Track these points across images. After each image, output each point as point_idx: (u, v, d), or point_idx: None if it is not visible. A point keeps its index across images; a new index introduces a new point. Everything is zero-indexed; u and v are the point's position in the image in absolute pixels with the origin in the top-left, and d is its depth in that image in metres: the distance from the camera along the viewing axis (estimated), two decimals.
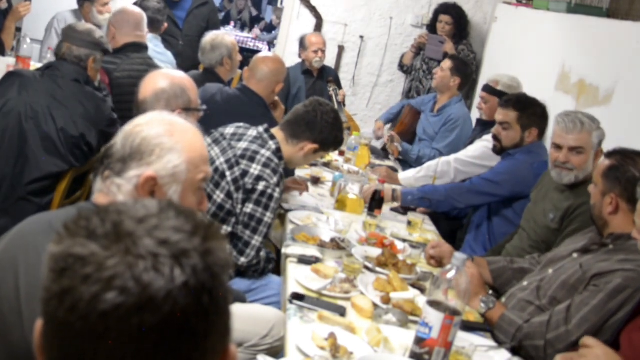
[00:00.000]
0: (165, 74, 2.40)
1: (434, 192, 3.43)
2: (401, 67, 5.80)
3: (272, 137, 2.70)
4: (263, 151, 2.62)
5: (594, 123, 2.75)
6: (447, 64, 4.61)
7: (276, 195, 2.57)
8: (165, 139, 1.45)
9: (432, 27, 5.67)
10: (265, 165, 2.58)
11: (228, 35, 4.10)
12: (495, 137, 3.39)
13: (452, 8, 5.63)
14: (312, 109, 2.74)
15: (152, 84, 2.35)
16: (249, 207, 2.55)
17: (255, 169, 2.57)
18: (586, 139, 2.74)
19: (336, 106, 4.78)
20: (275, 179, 2.56)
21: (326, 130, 2.74)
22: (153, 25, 4.30)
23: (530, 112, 3.31)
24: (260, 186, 2.54)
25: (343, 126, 2.88)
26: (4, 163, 2.85)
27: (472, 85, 5.57)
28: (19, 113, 2.87)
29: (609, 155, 2.32)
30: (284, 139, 2.72)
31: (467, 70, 4.69)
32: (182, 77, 2.39)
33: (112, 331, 0.67)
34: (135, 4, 4.38)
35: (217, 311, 0.72)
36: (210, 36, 4.03)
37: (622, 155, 2.28)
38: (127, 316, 0.67)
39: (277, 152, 2.66)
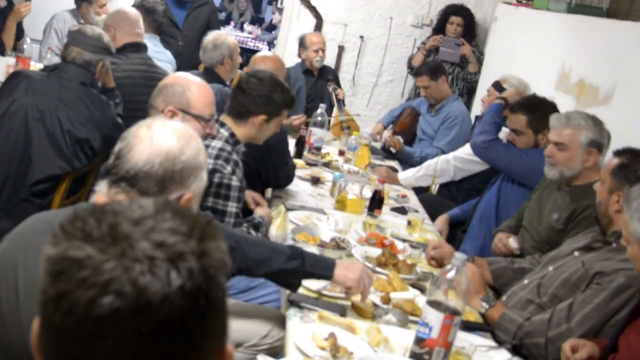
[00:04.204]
0: (179, 75, 2.39)
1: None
2: (410, 69, 5.75)
3: (222, 125, 2.69)
4: (213, 143, 2.59)
5: (587, 122, 2.72)
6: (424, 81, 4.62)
7: (234, 183, 2.53)
8: (199, 158, 1.52)
9: (440, 29, 5.65)
10: (216, 157, 2.55)
11: (230, 36, 4.12)
12: (510, 144, 3.38)
13: (463, 9, 5.62)
14: (241, 86, 2.73)
15: (163, 80, 2.37)
16: (210, 201, 2.51)
17: (208, 164, 2.55)
18: (570, 135, 2.72)
19: (336, 105, 4.79)
20: (229, 168, 2.53)
21: (261, 99, 2.72)
22: (151, 26, 4.29)
23: (539, 114, 3.22)
24: (216, 178, 2.51)
25: (278, 84, 2.79)
26: (9, 163, 2.84)
27: (471, 86, 5.57)
28: (25, 113, 2.87)
29: (619, 153, 2.32)
30: (233, 124, 2.71)
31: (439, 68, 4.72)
32: (190, 80, 2.34)
33: (109, 335, 0.67)
34: (134, 4, 4.37)
35: (213, 313, 0.72)
36: (212, 35, 4.04)
37: (632, 154, 2.28)
38: (124, 320, 0.67)
39: (232, 137, 2.65)
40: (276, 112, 2.78)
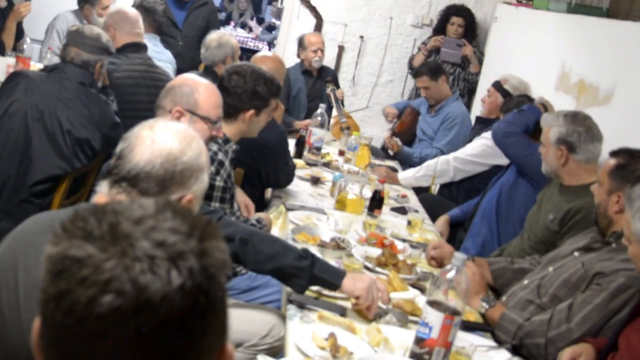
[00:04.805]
0: (188, 76, 2.38)
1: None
2: (411, 69, 5.74)
3: None
4: None
5: (559, 120, 2.79)
6: (424, 82, 4.61)
7: (217, 183, 2.50)
8: (200, 160, 1.52)
9: (440, 29, 5.64)
10: None
11: (232, 37, 4.13)
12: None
13: (464, 10, 5.62)
14: (224, 86, 2.69)
15: (171, 81, 2.38)
16: None
17: None
18: (545, 133, 2.83)
19: (335, 106, 4.79)
20: (212, 168, 2.49)
21: (247, 94, 2.71)
22: (151, 26, 4.29)
23: (507, 105, 3.44)
24: None
25: (260, 76, 2.76)
26: (9, 164, 2.84)
27: (472, 86, 5.57)
28: (25, 113, 2.86)
29: (615, 154, 2.32)
30: (222, 123, 2.68)
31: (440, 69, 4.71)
32: (198, 82, 2.33)
33: (109, 334, 0.67)
34: (134, 5, 4.37)
35: (213, 312, 0.73)
36: (217, 34, 4.05)
37: (629, 154, 2.28)
38: (124, 319, 0.67)
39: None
40: (264, 105, 2.76)
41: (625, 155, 2.27)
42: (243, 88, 2.71)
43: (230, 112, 2.69)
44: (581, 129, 2.75)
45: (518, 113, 3.34)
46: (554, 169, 2.81)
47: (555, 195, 2.85)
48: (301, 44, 5.12)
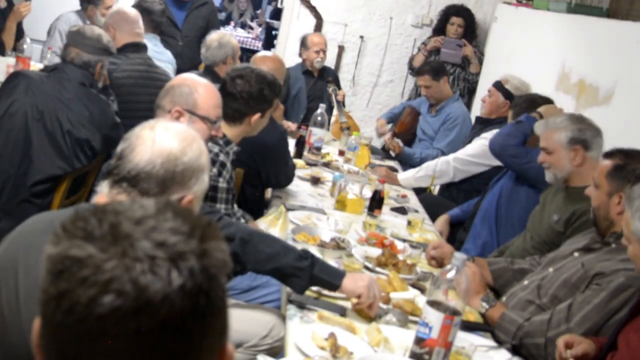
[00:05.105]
0: (187, 76, 2.38)
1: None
2: (411, 69, 5.75)
3: None
4: None
5: (564, 122, 2.79)
6: (426, 80, 4.60)
7: (220, 185, 2.51)
8: (200, 160, 1.52)
9: (440, 29, 5.64)
10: None
11: (233, 37, 4.13)
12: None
13: (464, 10, 5.62)
14: (228, 91, 2.68)
15: (170, 81, 2.38)
16: None
17: None
18: (550, 138, 2.81)
19: (335, 106, 4.79)
20: (214, 170, 2.50)
21: (253, 99, 2.71)
22: (149, 25, 4.29)
23: (517, 109, 3.43)
24: None
25: (263, 78, 2.76)
26: (9, 164, 2.84)
27: (472, 86, 5.58)
28: (25, 114, 2.86)
29: (610, 155, 2.32)
30: (226, 126, 2.66)
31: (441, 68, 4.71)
32: (197, 82, 2.33)
33: (109, 334, 0.67)
34: (134, 5, 4.37)
35: (213, 312, 0.73)
36: (217, 34, 4.05)
37: (624, 154, 2.27)
38: (124, 319, 0.67)
39: (222, 137, 2.58)
40: (269, 106, 2.78)
41: (622, 156, 2.27)
42: (249, 93, 2.70)
43: (237, 116, 2.70)
44: (587, 126, 2.77)
45: (516, 125, 3.34)
46: (566, 172, 2.78)
47: (560, 196, 2.84)
48: (304, 43, 5.11)
